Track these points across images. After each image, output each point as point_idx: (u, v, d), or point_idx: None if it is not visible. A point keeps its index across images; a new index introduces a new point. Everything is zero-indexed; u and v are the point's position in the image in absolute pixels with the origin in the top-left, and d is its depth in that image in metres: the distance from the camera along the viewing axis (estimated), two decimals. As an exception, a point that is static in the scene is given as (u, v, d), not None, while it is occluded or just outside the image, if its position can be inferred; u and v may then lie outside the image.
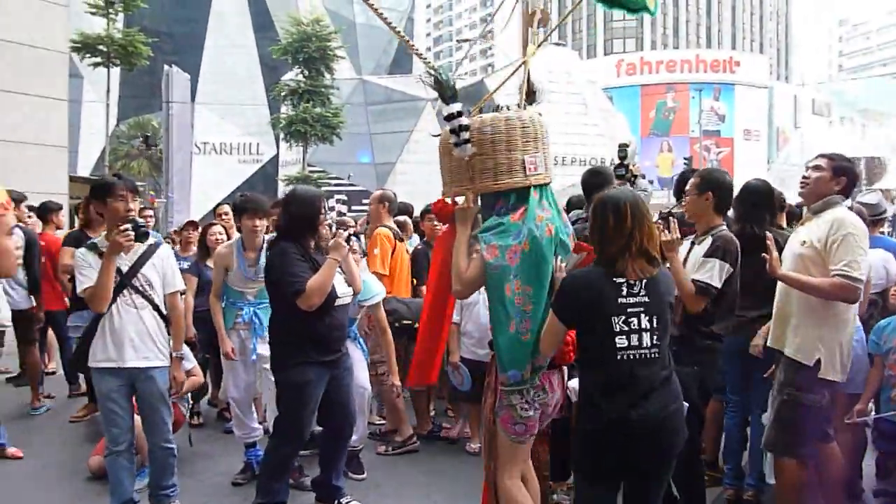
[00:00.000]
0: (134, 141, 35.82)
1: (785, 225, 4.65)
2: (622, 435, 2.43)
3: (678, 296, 3.40)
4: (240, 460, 4.44)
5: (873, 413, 3.85)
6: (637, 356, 2.45)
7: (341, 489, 3.90)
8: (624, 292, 2.47)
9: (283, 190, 30.02)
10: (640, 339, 2.46)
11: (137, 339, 3.43)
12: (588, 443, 2.54)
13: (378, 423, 5.32)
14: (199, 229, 5.83)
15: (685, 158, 31.63)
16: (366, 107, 43.12)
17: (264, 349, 4.23)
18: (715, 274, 3.30)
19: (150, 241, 3.57)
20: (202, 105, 42.97)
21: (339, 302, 3.66)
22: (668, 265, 3.43)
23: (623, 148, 5.55)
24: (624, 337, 2.45)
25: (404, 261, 5.24)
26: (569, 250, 2.82)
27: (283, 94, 29.93)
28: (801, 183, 3.36)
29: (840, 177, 3.27)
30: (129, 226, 3.29)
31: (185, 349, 3.85)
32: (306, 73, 29.55)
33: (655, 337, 2.48)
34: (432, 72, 2.87)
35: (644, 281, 2.50)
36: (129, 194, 3.49)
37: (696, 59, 54.73)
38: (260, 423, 4.54)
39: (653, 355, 2.47)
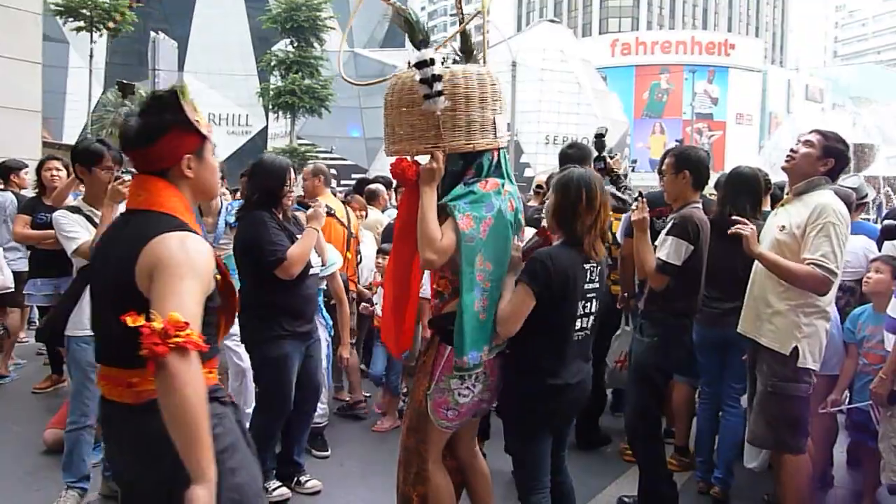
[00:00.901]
0: (121, 109, 35.26)
1: (769, 207, 4.56)
2: (560, 398, 2.61)
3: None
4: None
5: (847, 401, 3.78)
6: (581, 336, 2.65)
7: (301, 466, 3.83)
8: (587, 278, 2.58)
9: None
10: (586, 322, 2.65)
11: None
12: (528, 405, 2.62)
13: (346, 399, 5.25)
14: None
15: (677, 141, 31.57)
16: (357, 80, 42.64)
17: (225, 325, 4.11)
18: (671, 251, 3.29)
19: None
20: (191, 74, 42.30)
21: (311, 272, 3.65)
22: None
23: (600, 139, 4.57)
24: (580, 320, 2.62)
25: (334, 234, 4.84)
26: (520, 227, 2.68)
27: (271, 64, 29.43)
28: (788, 157, 3.16)
29: (828, 158, 3.07)
30: (128, 177, 3.21)
31: None
32: (295, 43, 29.07)
33: (594, 319, 2.68)
34: (401, 12, 2.62)
35: (598, 267, 2.63)
36: (115, 166, 3.45)
37: (691, 40, 54.43)
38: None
39: (587, 334, 2.69)
